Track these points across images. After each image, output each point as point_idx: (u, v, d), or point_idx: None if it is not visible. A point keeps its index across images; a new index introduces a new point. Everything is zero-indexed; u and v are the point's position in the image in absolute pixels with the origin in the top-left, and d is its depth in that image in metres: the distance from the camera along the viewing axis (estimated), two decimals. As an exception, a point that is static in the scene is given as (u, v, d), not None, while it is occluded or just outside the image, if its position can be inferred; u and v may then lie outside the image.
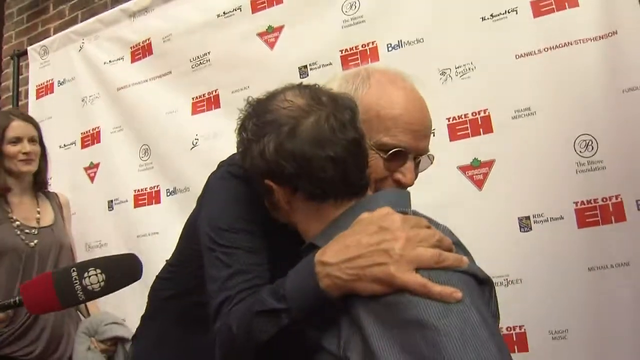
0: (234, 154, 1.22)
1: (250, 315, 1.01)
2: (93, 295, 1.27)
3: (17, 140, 2.36)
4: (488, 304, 0.96)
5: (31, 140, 2.40)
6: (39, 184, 2.50)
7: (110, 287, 1.30)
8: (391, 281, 0.86)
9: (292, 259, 1.03)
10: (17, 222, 2.33)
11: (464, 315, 0.84)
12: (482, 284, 0.96)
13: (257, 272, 1.12)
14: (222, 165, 1.29)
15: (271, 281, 1.05)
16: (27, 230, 2.34)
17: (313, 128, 1.00)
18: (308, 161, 0.99)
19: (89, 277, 1.25)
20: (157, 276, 1.52)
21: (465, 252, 1.00)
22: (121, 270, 1.35)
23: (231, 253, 1.13)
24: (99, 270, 1.26)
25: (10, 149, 2.34)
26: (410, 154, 1.17)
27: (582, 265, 1.92)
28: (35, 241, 2.33)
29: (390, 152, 1.15)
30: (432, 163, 1.26)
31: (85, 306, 2.51)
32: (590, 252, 1.92)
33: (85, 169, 3.11)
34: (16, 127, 2.37)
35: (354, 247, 0.91)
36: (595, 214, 1.93)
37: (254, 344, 1.00)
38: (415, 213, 1.03)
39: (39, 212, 2.44)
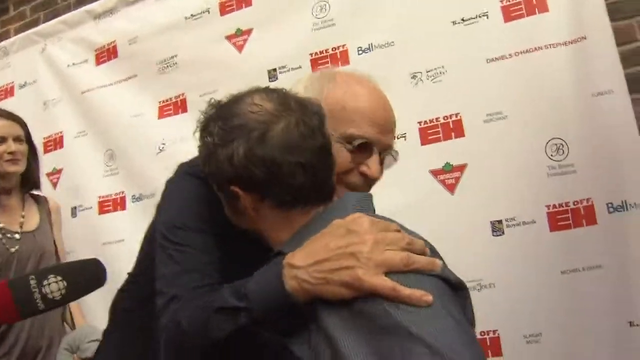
0: (195, 157, 1.19)
1: (206, 312, 0.98)
2: (54, 303, 1.21)
3: (2, 140, 2.26)
4: (463, 309, 0.94)
5: (17, 139, 2.30)
6: (27, 185, 2.41)
7: (72, 294, 1.24)
8: (359, 285, 0.84)
9: (256, 265, 1.00)
10: (0, 225, 2.24)
11: (437, 321, 0.82)
12: (456, 289, 0.93)
13: (209, 272, 1.10)
14: (181, 166, 1.27)
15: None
16: (9, 235, 2.24)
17: (283, 134, 0.98)
18: (278, 167, 0.97)
19: (49, 284, 1.19)
20: (118, 289, 1.46)
21: (439, 258, 0.98)
22: (83, 276, 1.30)
23: (183, 251, 1.12)
24: (59, 277, 1.21)
25: None
26: (376, 146, 1.18)
27: (554, 268, 1.93)
28: (17, 247, 2.23)
29: (357, 143, 1.15)
30: (396, 161, 1.26)
31: (72, 318, 2.42)
32: (563, 255, 1.93)
33: (48, 175, 3.01)
34: (0, 127, 2.28)
35: (322, 250, 0.89)
36: (567, 217, 1.94)
37: (209, 341, 0.97)
38: (383, 219, 1.01)
39: (23, 217, 2.34)
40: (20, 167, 2.32)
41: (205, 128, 1.05)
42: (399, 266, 0.85)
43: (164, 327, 1.06)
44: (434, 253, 0.97)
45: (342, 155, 1.14)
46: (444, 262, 0.97)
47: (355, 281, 0.84)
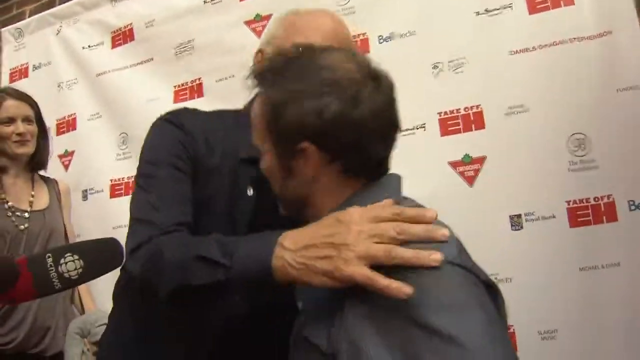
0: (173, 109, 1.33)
1: (189, 254, 1.00)
2: (70, 283, 1.19)
3: (10, 120, 2.25)
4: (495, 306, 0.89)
5: (26, 119, 2.29)
6: (34, 165, 2.39)
7: (89, 273, 1.22)
8: (339, 274, 0.83)
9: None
10: (9, 204, 2.22)
11: (467, 315, 0.78)
12: (486, 286, 0.88)
13: (185, 204, 1.19)
14: (159, 116, 1.33)
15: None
16: (18, 213, 2.23)
17: (372, 99, 0.94)
18: (366, 133, 0.94)
19: (66, 263, 1.17)
20: (120, 268, 1.46)
21: (465, 254, 0.93)
22: (101, 255, 1.28)
23: (152, 183, 1.21)
24: (76, 256, 1.18)
25: (3, 129, 2.24)
26: None
27: (573, 265, 1.90)
28: (26, 225, 2.23)
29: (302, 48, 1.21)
30: None
31: (80, 301, 2.41)
32: (582, 251, 1.90)
33: (60, 157, 2.99)
34: (9, 107, 2.26)
35: (310, 237, 0.89)
36: (587, 213, 1.91)
37: (184, 282, 0.99)
38: (405, 199, 1.00)
39: (32, 196, 2.33)
40: (29, 148, 2.31)
41: (282, 72, 0.98)
42: (381, 259, 0.83)
43: (142, 244, 1.12)
44: (461, 251, 0.90)
45: None
46: (471, 260, 0.91)
47: (335, 270, 0.84)
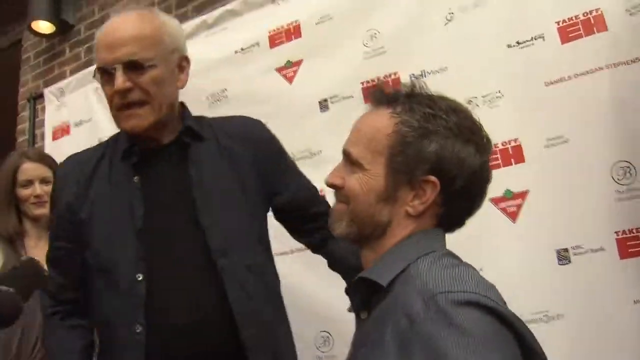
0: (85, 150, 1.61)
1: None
2: None
3: (28, 183, 2.29)
4: None
5: (43, 181, 2.32)
6: None
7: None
8: None
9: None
10: None
11: None
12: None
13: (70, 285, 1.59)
14: None
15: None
16: None
17: (487, 162, 1.03)
18: (482, 193, 1.01)
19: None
20: None
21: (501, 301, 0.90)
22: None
23: (52, 264, 1.64)
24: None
25: (22, 192, 2.28)
26: (113, 66, 1.33)
27: (627, 298, 1.81)
28: None
29: (95, 73, 1.37)
30: (155, 67, 1.44)
31: None
32: (635, 284, 1.82)
33: (102, 211, 3.04)
34: (26, 170, 2.30)
35: None
36: (638, 244, 1.83)
37: None
38: (449, 254, 0.99)
39: None
40: (47, 210, 2.33)
41: (424, 103, 0.98)
42: None
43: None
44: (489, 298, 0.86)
45: (105, 90, 1.38)
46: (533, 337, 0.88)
47: None
